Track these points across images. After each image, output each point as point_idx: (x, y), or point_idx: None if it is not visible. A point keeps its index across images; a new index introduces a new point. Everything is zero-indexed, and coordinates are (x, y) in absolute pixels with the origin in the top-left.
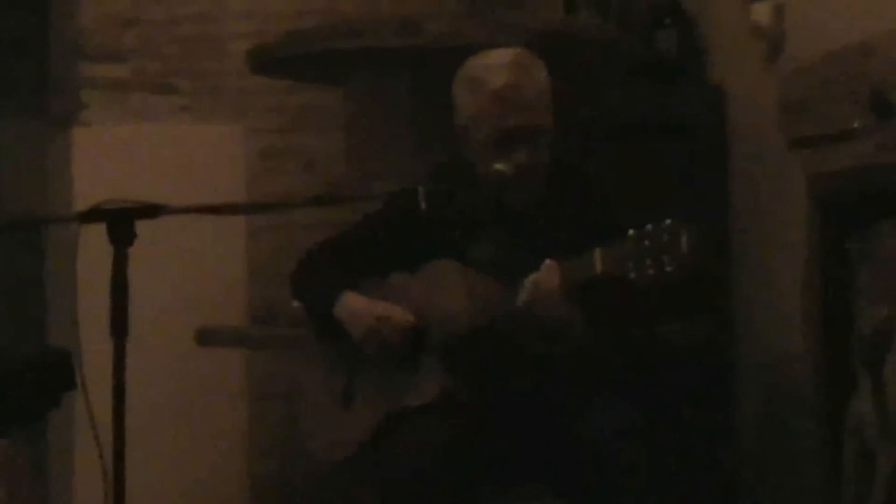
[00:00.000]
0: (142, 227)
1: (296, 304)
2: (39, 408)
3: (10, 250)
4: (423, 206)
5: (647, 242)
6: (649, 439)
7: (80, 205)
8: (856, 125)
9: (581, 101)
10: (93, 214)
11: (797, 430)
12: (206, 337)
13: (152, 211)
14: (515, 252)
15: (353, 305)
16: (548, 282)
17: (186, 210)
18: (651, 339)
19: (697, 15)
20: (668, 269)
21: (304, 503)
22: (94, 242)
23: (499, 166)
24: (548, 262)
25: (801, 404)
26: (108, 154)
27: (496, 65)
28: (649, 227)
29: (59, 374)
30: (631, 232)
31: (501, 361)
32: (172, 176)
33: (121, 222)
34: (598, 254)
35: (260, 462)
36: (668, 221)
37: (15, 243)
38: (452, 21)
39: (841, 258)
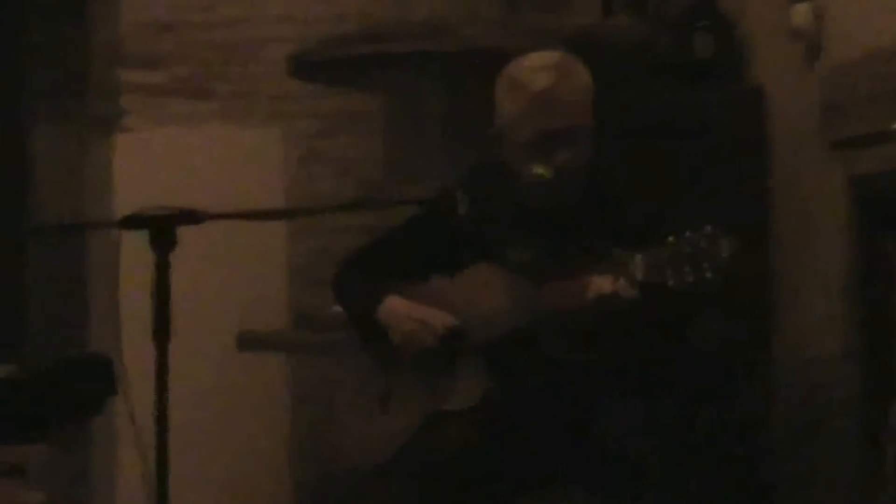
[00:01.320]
0: (182, 232)
1: (337, 307)
2: (81, 413)
3: (51, 256)
4: (463, 210)
5: (686, 249)
6: (683, 442)
7: (120, 210)
8: (894, 127)
9: (618, 103)
10: (135, 221)
11: (836, 431)
12: (247, 342)
13: (194, 217)
14: (554, 255)
15: (394, 308)
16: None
17: (227, 216)
18: (687, 343)
19: (735, 16)
20: (708, 275)
21: None
22: (136, 248)
23: (538, 169)
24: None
25: (840, 406)
26: (148, 159)
27: (538, 67)
28: (689, 233)
29: (100, 380)
30: (670, 238)
31: (540, 364)
32: (211, 180)
33: (162, 229)
34: (637, 260)
35: (301, 465)
36: (708, 228)
37: (56, 249)
38: (487, 25)
39: (882, 259)
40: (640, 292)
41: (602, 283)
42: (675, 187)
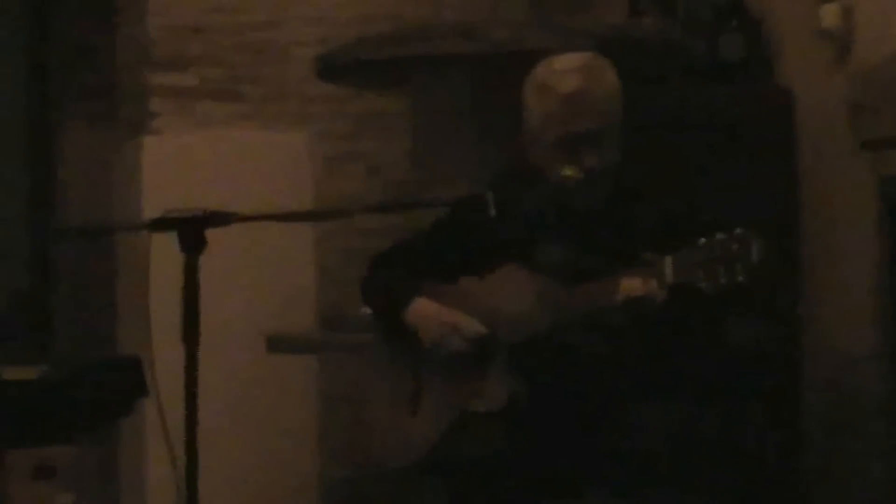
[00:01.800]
0: (211, 233)
1: (365, 309)
2: (110, 415)
3: (80, 258)
4: (491, 211)
5: (718, 251)
6: (712, 443)
7: (149, 212)
8: None
9: (646, 104)
10: (164, 223)
11: (866, 431)
12: (277, 344)
13: (222, 219)
14: (583, 256)
15: (423, 311)
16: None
17: (256, 218)
18: (717, 344)
19: (763, 17)
20: (740, 278)
21: None
22: (165, 250)
23: (567, 171)
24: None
25: (870, 406)
26: (176, 161)
27: (566, 69)
28: (720, 235)
29: (130, 382)
30: (702, 240)
31: (568, 366)
32: (240, 182)
33: (191, 230)
34: (668, 262)
35: (329, 466)
36: (740, 230)
37: (85, 251)
38: (515, 27)
39: None
40: (669, 294)
41: (631, 285)
42: (704, 188)
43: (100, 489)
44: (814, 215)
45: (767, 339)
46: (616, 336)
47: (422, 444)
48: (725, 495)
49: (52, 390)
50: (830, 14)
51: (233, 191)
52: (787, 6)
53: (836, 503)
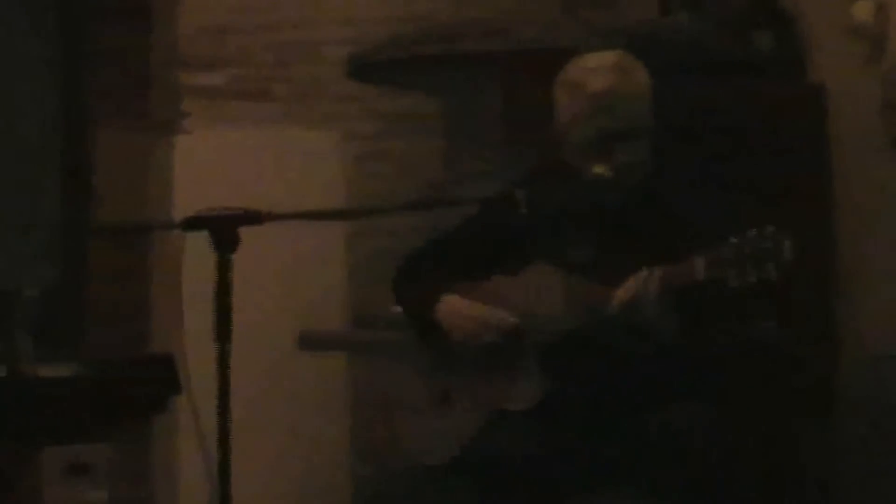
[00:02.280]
0: (244, 232)
1: (396, 307)
2: (143, 412)
3: (113, 257)
4: (522, 209)
5: (749, 249)
6: (741, 444)
7: (180, 211)
8: None
9: (677, 102)
10: (197, 221)
11: None
12: (308, 341)
13: (255, 218)
14: (614, 254)
15: (454, 307)
16: (645, 285)
17: (288, 216)
18: (746, 343)
19: (795, 13)
20: (772, 276)
21: None
22: (198, 248)
23: (597, 169)
24: (646, 270)
25: None
26: (208, 160)
27: (596, 68)
28: (752, 233)
29: (163, 379)
30: (733, 238)
31: (598, 364)
32: (271, 182)
33: (224, 229)
34: (699, 259)
35: (360, 464)
36: (771, 228)
37: (118, 250)
38: (545, 26)
39: None
40: (702, 292)
41: (624, 289)
42: (735, 186)
43: (132, 487)
44: (846, 212)
45: (798, 339)
46: (647, 335)
47: (453, 443)
48: (756, 496)
49: (86, 388)
50: (863, 10)
51: (264, 190)
52: (819, 2)
53: None
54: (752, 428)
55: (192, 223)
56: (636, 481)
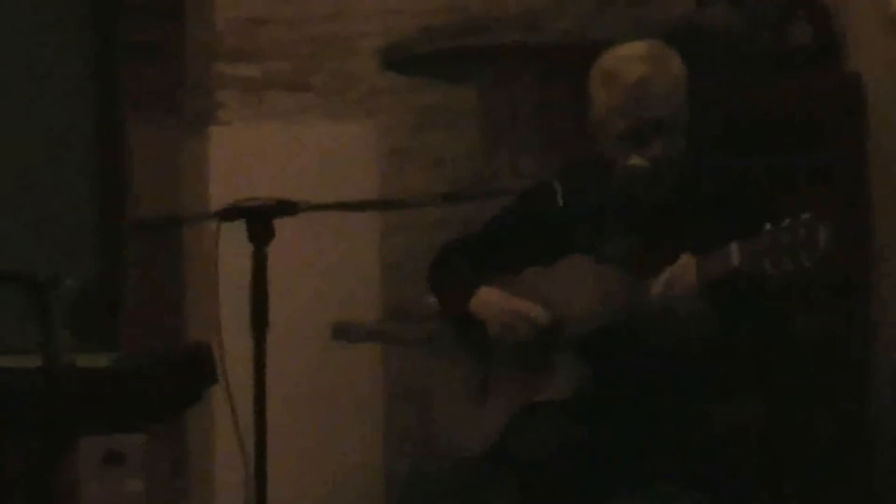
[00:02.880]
0: (278, 223)
1: (431, 299)
2: (180, 402)
3: (149, 248)
4: (559, 201)
5: (784, 238)
6: (777, 436)
7: (216, 202)
8: None
9: (714, 93)
10: (232, 212)
11: None
12: (343, 332)
13: (290, 208)
14: (651, 246)
15: (488, 300)
16: (683, 277)
17: (323, 207)
18: (784, 334)
19: (832, 6)
20: (807, 264)
21: (440, 499)
22: (233, 239)
23: (634, 160)
24: (684, 257)
25: None
26: (242, 152)
27: (631, 58)
28: (787, 221)
29: (199, 369)
30: (768, 227)
31: (635, 358)
32: (305, 173)
33: (259, 220)
34: (734, 248)
35: (396, 457)
36: (806, 216)
37: (154, 241)
38: (580, 17)
39: None
40: (738, 281)
41: (660, 284)
42: (772, 177)
43: (169, 477)
44: (884, 203)
45: (831, 331)
46: (685, 327)
47: (489, 434)
48: (795, 490)
49: (123, 378)
50: None
51: (299, 181)
52: None
53: None
54: (793, 420)
55: (227, 214)
56: (675, 475)
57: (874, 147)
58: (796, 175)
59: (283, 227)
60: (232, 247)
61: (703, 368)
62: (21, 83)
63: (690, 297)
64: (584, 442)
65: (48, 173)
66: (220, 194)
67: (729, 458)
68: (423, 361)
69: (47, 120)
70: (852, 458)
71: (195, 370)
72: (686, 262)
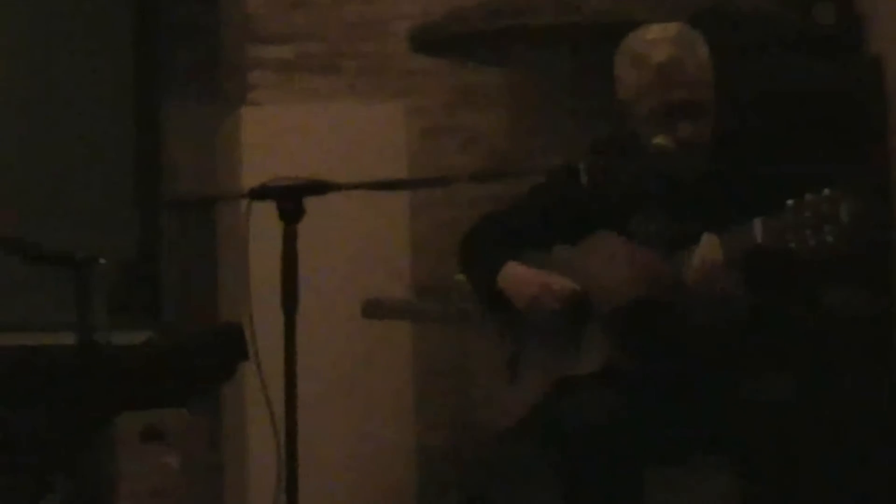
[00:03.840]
0: (309, 203)
1: (460, 277)
2: (214, 379)
3: (182, 227)
4: (585, 180)
5: (807, 213)
6: (810, 410)
7: (249, 182)
8: None
9: (742, 74)
10: (263, 192)
11: None
12: (372, 309)
13: (320, 188)
14: (677, 224)
15: (517, 274)
16: (712, 256)
17: (353, 186)
18: (813, 309)
19: None
20: (829, 238)
21: (471, 472)
22: (265, 218)
23: (660, 140)
24: (706, 235)
25: None
26: (276, 133)
27: (659, 39)
28: (809, 196)
29: (232, 347)
30: (790, 202)
31: (665, 333)
32: (337, 153)
33: (290, 199)
34: (758, 224)
35: (427, 433)
36: (827, 191)
37: (188, 221)
38: None
39: None
40: (761, 256)
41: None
42: (797, 156)
43: (204, 452)
44: None
45: (859, 306)
46: (710, 303)
47: (521, 409)
48: (827, 466)
49: (159, 356)
50: None
51: (330, 161)
52: None
53: None
54: (823, 394)
55: (259, 193)
56: (706, 448)
57: (893, 124)
58: (821, 151)
59: (315, 205)
60: (264, 225)
61: (733, 343)
62: (61, 65)
63: (721, 274)
64: (618, 415)
65: (86, 153)
66: (253, 173)
67: (759, 432)
68: (453, 337)
69: (86, 101)
70: (882, 431)
71: (228, 348)
72: (709, 240)
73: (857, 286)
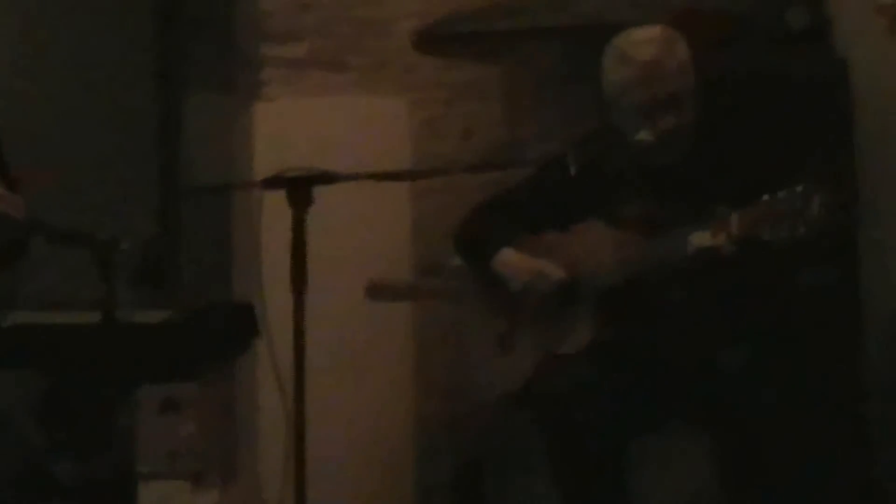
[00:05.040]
0: (317, 191)
1: (457, 260)
2: (227, 354)
3: (199, 214)
4: (573, 170)
5: (780, 206)
6: (779, 380)
7: (261, 171)
8: None
9: (722, 72)
10: (275, 181)
11: None
12: (376, 290)
13: (327, 178)
14: (659, 210)
15: (511, 261)
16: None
17: (358, 177)
18: (787, 289)
19: None
20: (801, 229)
21: (465, 439)
22: (276, 206)
23: (642, 134)
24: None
25: None
26: (287, 126)
27: (642, 40)
28: (783, 193)
29: (244, 325)
30: (765, 197)
31: (644, 312)
32: (344, 145)
33: (299, 188)
34: (735, 217)
35: (425, 401)
36: (801, 187)
37: (204, 207)
38: (598, 2)
39: None
40: (737, 246)
41: (702, 238)
42: (771, 149)
43: (218, 421)
44: (872, 172)
45: (830, 285)
46: (690, 284)
47: (516, 380)
48: (794, 433)
49: (177, 332)
50: None
51: (337, 153)
52: None
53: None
54: (791, 369)
55: (271, 182)
56: (683, 416)
57: (860, 122)
58: (793, 147)
59: (323, 193)
60: (275, 212)
61: (708, 319)
62: (88, 60)
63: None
64: (601, 386)
65: (110, 143)
66: (265, 164)
67: (731, 401)
68: (450, 314)
69: (110, 94)
70: (847, 403)
71: (241, 325)
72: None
73: (826, 265)
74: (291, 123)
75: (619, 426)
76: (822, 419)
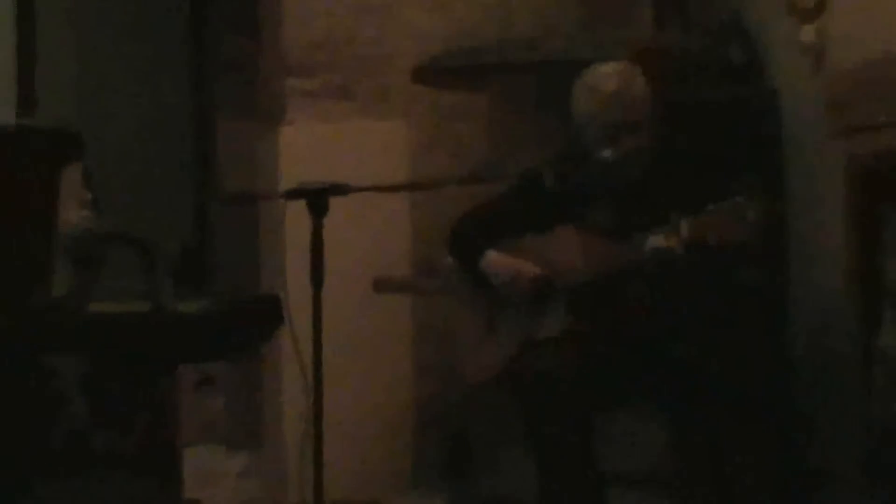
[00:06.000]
0: (333, 201)
1: (450, 260)
2: (255, 339)
3: (231, 221)
4: (548, 183)
5: (724, 215)
6: (720, 365)
7: (285, 184)
8: (882, 119)
9: (674, 100)
10: (297, 192)
11: (836, 353)
12: (381, 285)
13: (341, 190)
14: (622, 218)
15: (495, 261)
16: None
17: (367, 189)
18: (727, 286)
19: (759, 33)
20: (740, 235)
21: (456, 413)
22: (297, 214)
23: (605, 153)
24: (648, 234)
25: (840, 334)
26: (305, 146)
27: (607, 74)
28: (725, 203)
29: (271, 314)
30: (711, 206)
31: (610, 304)
32: (353, 162)
33: (318, 198)
34: (684, 224)
35: (423, 384)
36: (739, 199)
37: (235, 215)
38: (567, 40)
39: (873, 220)
40: (687, 248)
41: (657, 240)
42: (715, 166)
43: (246, 396)
44: (798, 187)
45: (763, 282)
46: (648, 281)
47: (498, 364)
48: (731, 408)
49: (213, 320)
50: (808, 33)
51: (348, 168)
52: (776, 25)
53: (813, 408)
54: (734, 355)
55: (293, 194)
56: (645, 397)
57: (789, 144)
58: (732, 164)
59: (337, 203)
60: (297, 219)
61: (664, 312)
62: (136, 90)
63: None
64: (571, 370)
65: (155, 160)
66: (288, 178)
67: (683, 383)
68: (444, 308)
69: (155, 119)
70: (778, 384)
71: (267, 315)
72: (652, 234)
73: (760, 265)
74: (309, 143)
75: (588, 402)
76: (753, 394)
